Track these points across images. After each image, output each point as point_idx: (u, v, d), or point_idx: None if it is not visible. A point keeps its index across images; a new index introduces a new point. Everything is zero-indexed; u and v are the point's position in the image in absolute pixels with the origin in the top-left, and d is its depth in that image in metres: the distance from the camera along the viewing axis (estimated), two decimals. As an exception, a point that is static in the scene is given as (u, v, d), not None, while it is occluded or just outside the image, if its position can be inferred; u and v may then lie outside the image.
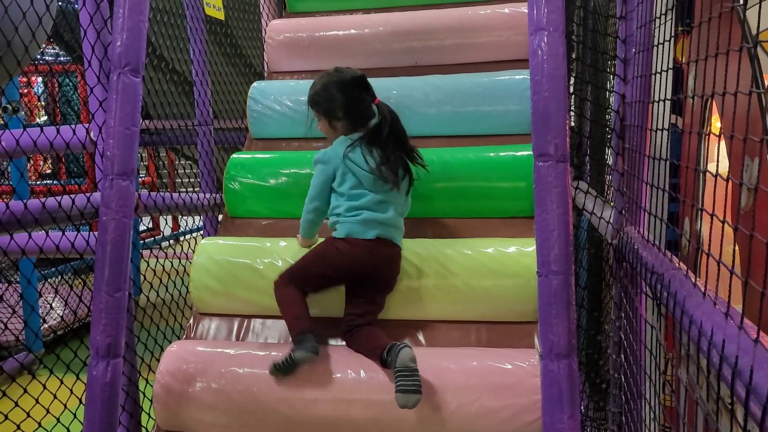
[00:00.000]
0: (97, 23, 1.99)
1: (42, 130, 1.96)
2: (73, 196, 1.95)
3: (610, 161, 2.70)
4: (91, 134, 2.10)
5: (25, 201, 1.76)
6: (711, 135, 2.11)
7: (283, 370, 1.98)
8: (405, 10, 3.26)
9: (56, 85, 6.63)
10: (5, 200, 6.23)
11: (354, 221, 2.17)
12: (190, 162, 7.02)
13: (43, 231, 1.99)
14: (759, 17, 1.04)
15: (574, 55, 3.36)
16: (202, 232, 4.72)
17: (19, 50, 2.01)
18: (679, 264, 1.47)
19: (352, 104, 2.24)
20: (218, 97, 3.70)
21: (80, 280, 2.52)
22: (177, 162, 8.35)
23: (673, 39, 1.80)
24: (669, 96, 1.56)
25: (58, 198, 1.90)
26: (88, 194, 2.03)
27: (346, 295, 2.21)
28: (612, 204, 2.24)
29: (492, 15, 3.08)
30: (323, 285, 2.22)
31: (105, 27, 2.01)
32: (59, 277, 5.13)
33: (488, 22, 3.07)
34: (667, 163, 1.63)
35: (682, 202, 2.16)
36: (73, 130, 2.02)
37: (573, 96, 3.33)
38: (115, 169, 1.94)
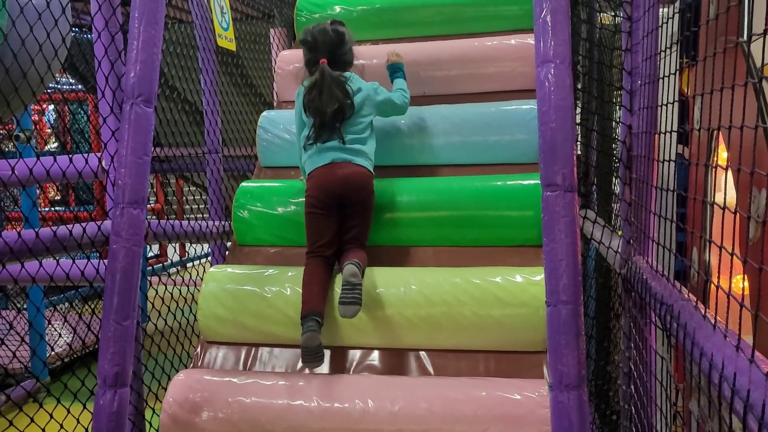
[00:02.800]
0: (111, 55, 2.03)
1: (55, 159, 1.99)
2: (84, 224, 1.96)
3: (617, 190, 2.71)
4: (103, 163, 2.13)
5: (36, 230, 1.77)
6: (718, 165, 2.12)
7: (307, 358, 2.14)
8: (412, 41, 3.31)
9: (67, 113, 6.72)
10: (15, 227, 6.28)
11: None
12: (198, 188, 7.07)
13: (53, 259, 2.00)
14: (764, 52, 1.05)
15: (579, 86, 3.39)
16: (209, 258, 4.73)
17: (35, 81, 2.05)
18: (688, 295, 1.47)
19: None
20: (228, 126, 3.73)
21: (88, 307, 2.52)
22: (186, 188, 8.40)
23: (678, 71, 1.82)
24: (675, 127, 1.57)
25: (70, 226, 1.91)
26: (98, 222, 2.05)
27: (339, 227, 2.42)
28: (620, 233, 2.25)
29: (498, 46, 3.11)
30: (325, 230, 2.38)
31: (119, 58, 2.05)
32: (67, 304, 5.14)
33: (495, 53, 3.10)
34: (675, 193, 1.64)
35: (690, 232, 2.16)
36: (86, 159, 2.05)
37: (579, 125, 3.35)
38: (126, 198, 1.96)
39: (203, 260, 7.22)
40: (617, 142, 2.60)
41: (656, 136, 1.86)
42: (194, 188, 7.40)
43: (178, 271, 7.98)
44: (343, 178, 2.40)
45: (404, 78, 2.81)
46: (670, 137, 1.54)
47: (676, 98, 1.55)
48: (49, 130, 7.83)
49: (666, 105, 1.59)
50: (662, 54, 1.72)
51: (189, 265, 8.22)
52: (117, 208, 1.96)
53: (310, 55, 2.54)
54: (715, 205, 1.77)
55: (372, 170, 2.52)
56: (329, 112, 2.41)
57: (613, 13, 3.12)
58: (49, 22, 1.89)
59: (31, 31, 1.81)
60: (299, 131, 2.59)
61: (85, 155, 2.09)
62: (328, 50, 2.50)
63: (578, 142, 3.41)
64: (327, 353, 2.31)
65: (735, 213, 1.02)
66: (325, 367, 2.30)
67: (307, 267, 2.34)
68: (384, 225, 2.64)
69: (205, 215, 3.49)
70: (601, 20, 3.37)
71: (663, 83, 1.65)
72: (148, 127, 1.98)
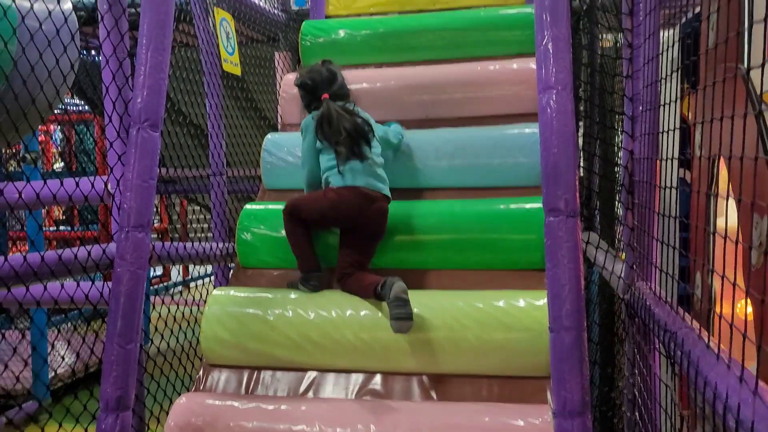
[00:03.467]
0: (119, 81, 2.06)
1: (62, 183, 2.01)
2: (89, 247, 1.97)
3: (620, 213, 2.72)
4: (109, 186, 2.15)
5: (42, 253, 1.78)
6: (719, 189, 2.12)
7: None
8: (416, 64, 3.35)
9: (73, 134, 6.77)
10: (20, 248, 6.28)
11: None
12: (202, 208, 7.10)
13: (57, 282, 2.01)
14: (762, 78, 1.06)
15: (582, 108, 3.41)
16: (212, 278, 4.73)
17: (43, 106, 2.07)
18: (691, 322, 1.47)
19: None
20: (232, 149, 3.75)
21: (90, 328, 2.53)
22: (190, 208, 8.43)
23: (679, 98, 1.84)
24: (677, 154, 1.58)
25: (74, 249, 1.93)
26: (103, 245, 2.06)
27: (340, 244, 2.52)
28: (623, 257, 2.25)
29: (501, 70, 3.14)
30: (319, 223, 2.53)
31: (126, 84, 2.08)
32: (69, 325, 5.13)
33: (497, 76, 3.13)
34: (677, 218, 1.64)
35: (693, 257, 2.16)
36: (92, 183, 2.07)
37: (582, 150, 3.37)
38: (131, 221, 1.97)
39: (206, 280, 7.22)
40: (619, 165, 2.61)
41: (658, 161, 1.87)
42: (198, 208, 7.44)
43: (180, 292, 7.98)
44: (368, 211, 2.47)
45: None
46: (672, 164, 1.55)
47: (678, 125, 1.57)
48: (56, 150, 7.88)
49: (667, 132, 1.60)
50: (663, 81, 1.74)
51: (192, 285, 8.22)
52: (122, 232, 1.97)
53: (310, 97, 2.66)
54: (718, 230, 1.77)
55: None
56: (344, 137, 2.48)
57: (614, 39, 3.15)
58: (59, 49, 1.92)
59: (40, 57, 1.83)
60: (309, 162, 2.64)
61: (91, 179, 2.10)
62: (327, 87, 2.62)
63: (581, 166, 3.43)
64: (329, 377, 2.31)
65: (736, 243, 1.02)
66: (327, 392, 2.29)
67: (289, 226, 2.50)
68: (387, 248, 2.64)
69: (208, 235, 3.50)
70: (602, 45, 3.41)
71: (664, 110, 1.67)
72: (154, 151, 2.00)
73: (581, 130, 3.56)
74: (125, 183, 1.98)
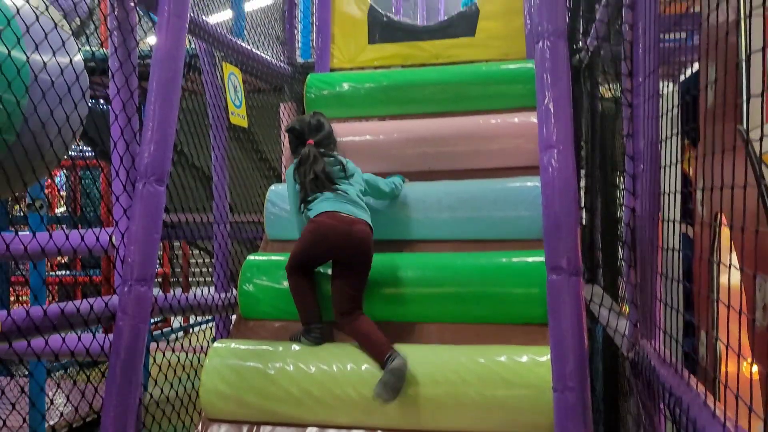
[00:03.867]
0: (127, 136, 2.09)
1: (67, 237, 2.03)
2: (91, 300, 1.98)
3: (623, 263, 2.72)
4: (113, 239, 2.16)
5: (44, 307, 1.79)
6: (723, 242, 2.13)
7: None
8: (419, 117, 3.40)
9: (78, 179, 6.83)
10: (20, 292, 6.24)
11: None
12: (203, 252, 7.09)
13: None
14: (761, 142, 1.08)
15: (583, 153, 3.43)
16: (212, 324, 4.71)
17: (51, 158, 2.10)
18: (697, 385, 1.46)
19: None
20: (237, 195, 3.78)
21: (85, 375, 2.50)
22: (192, 250, 8.43)
23: (679, 161, 1.86)
24: (678, 214, 1.60)
25: (77, 303, 1.93)
26: (105, 298, 2.06)
27: (331, 278, 2.51)
28: (626, 309, 2.24)
29: (502, 124, 3.19)
30: (311, 258, 2.53)
31: (134, 139, 2.11)
32: (64, 372, 5.08)
33: (499, 130, 3.18)
34: (681, 273, 1.64)
35: (697, 313, 2.15)
36: (97, 237, 2.08)
37: (583, 198, 3.39)
38: (134, 275, 1.98)
39: (206, 326, 7.17)
40: (621, 219, 2.62)
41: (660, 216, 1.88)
42: (199, 251, 7.43)
43: (178, 338, 7.91)
44: (356, 238, 2.46)
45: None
46: (674, 226, 1.56)
47: (679, 188, 1.58)
48: (61, 192, 7.93)
49: (669, 193, 1.62)
50: (664, 142, 1.77)
51: (192, 330, 8.15)
52: (125, 285, 1.98)
53: (297, 142, 2.79)
54: (721, 287, 1.77)
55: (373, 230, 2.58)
56: (318, 171, 2.57)
57: (613, 95, 3.20)
58: (70, 105, 1.96)
59: (51, 116, 1.87)
60: (294, 205, 2.70)
61: (96, 231, 2.12)
62: (313, 134, 2.75)
63: (582, 216, 3.44)
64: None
65: (740, 313, 1.02)
66: (327, 448, 2.26)
67: (291, 281, 2.53)
68: (388, 300, 2.64)
69: (210, 278, 3.49)
70: (602, 95, 3.45)
71: (665, 172, 1.69)
72: (159, 205, 2.02)
73: (583, 180, 3.59)
74: (130, 236, 1.99)
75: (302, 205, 2.59)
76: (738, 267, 2.00)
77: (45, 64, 1.89)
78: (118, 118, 2.07)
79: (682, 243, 1.95)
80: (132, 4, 2.22)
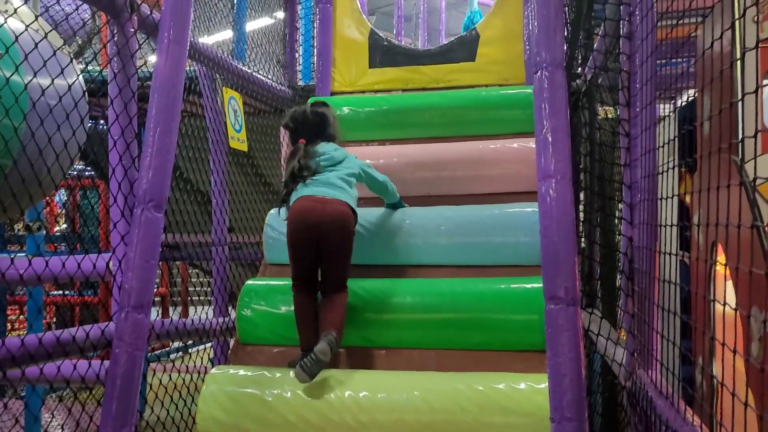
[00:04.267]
0: (125, 162, 2.10)
1: (64, 265, 2.02)
2: (87, 327, 1.97)
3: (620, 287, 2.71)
4: (110, 265, 2.16)
5: (40, 336, 1.78)
6: (719, 272, 2.12)
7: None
8: (418, 142, 3.41)
9: (78, 196, 6.84)
10: (15, 311, 6.20)
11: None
12: (202, 272, 7.06)
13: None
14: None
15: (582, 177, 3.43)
16: (211, 344, 4.68)
17: (47, 183, 2.11)
18: (693, 418, 1.45)
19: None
20: (236, 215, 3.78)
21: (77, 400, 2.48)
22: (190, 270, 8.40)
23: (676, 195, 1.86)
24: (675, 247, 1.59)
25: (72, 330, 1.92)
26: (101, 325, 2.05)
27: (319, 269, 2.53)
28: (623, 335, 2.23)
29: (501, 149, 3.20)
30: (305, 263, 2.51)
31: (133, 165, 2.12)
32: (59, 401, 5.03)
33: (498, 155, 3.19)
34: (678, 303, 1.64)
35: (695, 343, 2.15)
36: (94, 264, 2.08)
37: (582, 222, 3.38)
38: (131, 302, 1.97)
39: (205, 347, 7.12)
40: (619, 247, 2.62)
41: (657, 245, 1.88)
42: (198, 271, 7.41)
43: (177, 359, 7.85)
44: (324, 215, 2.45)
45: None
46: (672, 259, 1.56)
47: (676, 221, 1.58)
48: (60, 210, 7.92)
49: (666, 226, 1.62)
50: (661, 173, 1.77)
51: (191, 350, 8.09)
52: (122, 312, 1.97)
53: (292, 137, 2.78)
54: (718, 317, 1.76)
55: (355, 207, 2.59)
56: (296, 167, 2.58)
57: (612, 117, 3.21)
58: (68, 131, 1.97)
59: (49, 142, 1.88)
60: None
61: (93, 258, 2.11)
62: (308, 132, 2.73)
63: (581, 241, 3.44)
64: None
65: (735, 349, 1.02)
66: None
67: (296, 300, 2.53)
68: (387, 326, 2.63)
69: (208, 298, 3.48)
70: (599, 125, 3.47)
71: (662, 204, 1.69)
72: (157, 231, 2.02)
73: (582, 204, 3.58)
74: (127, 263, 1.99)
75: (280, 201, 2.62)
76: (732, 300, 2.00)
77: (43, 91, 1.90)
78: (116, 145, 2.08)
79: (680, 271, 1.95)
80: (132, 30, 2.23)
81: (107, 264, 2.13)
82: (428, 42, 8.19)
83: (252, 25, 4.19)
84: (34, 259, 2.09)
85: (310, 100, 3.63)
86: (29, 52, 1.86)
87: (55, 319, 6.69)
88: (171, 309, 7.72)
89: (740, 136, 1.90)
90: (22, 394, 4.57)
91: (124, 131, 2.09)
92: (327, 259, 2.49)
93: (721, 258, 2.32)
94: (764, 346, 1.73)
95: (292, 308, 2.71)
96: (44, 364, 1.84)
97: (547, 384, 1.91)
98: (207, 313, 3.15)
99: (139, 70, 2.25)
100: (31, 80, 1.89)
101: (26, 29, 1.86)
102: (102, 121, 4.58)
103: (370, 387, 2.30)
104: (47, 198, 7.21)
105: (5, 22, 1.84)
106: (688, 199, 2.87)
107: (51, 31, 2.06)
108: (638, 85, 1.93)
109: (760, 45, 1.80)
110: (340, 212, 2.48)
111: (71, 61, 2.12)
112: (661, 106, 2.86)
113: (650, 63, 1.86)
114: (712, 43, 1.30)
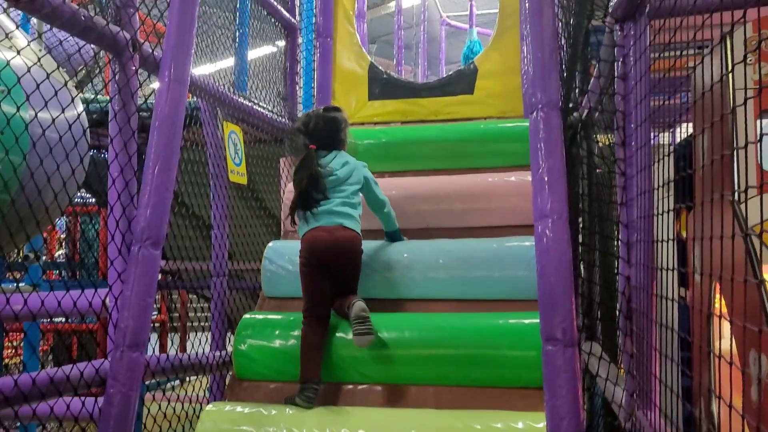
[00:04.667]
0: (124, 200, 2.11)
1: (59, 304, 2.02)
2: (81, 365, 1.96)
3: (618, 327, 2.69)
4: (107, 302, 2.15)
5: (33, 376, 1.77)
6: (718, 310, 2.11)
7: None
8: (416, 174, 3.42)
9: (78, 225, 6.85)
10: (11, 338, 6.15)
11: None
12: (201, 299, 7.05)
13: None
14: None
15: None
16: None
17: (44, 220, 2.11)
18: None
19: None
20: (236, 239, 3.79)
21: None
22: (188, 298, 8.39)
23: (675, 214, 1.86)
24: (674, 293, 1.59)
25: (67, 369, 1.91)
26: (96, 363, 2.04)
27: (331, 290, 2.68)
28: (622, 372, 2.21)
29: (499, 182, 3.21)
30: (319, 290, 2.64)
31: (131, 202, 2.12)
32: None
33: (496, 189, 3.20)
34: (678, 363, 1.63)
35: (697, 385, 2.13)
36: (90, 302, 2.08)
37: (580, 258, 3.37)
38: (127, 341, 1.97)
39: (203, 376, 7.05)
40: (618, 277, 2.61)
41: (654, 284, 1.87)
42: (197, 297, 7.39)
43: (174, 388, 7.79)
44: (332, 244, 2.65)
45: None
46: (671, 305, 1.56)
47: (675, 267, 1.58)
48: (61, 234, 7.92)
49: (664, 269, 1.61)
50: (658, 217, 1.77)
51: (188, 380, 8.02)
52: (117, 351, 1.96)
53: (303, 141, 2.86)
54: (718, 358, 1.75)
55: (360, 232, 2.76)
56: (304, 186, 2.70)
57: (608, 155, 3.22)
58: (67, 170, 1.98)
59: (48, 181, 1.89)
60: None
61: (89, 294, 2.11)
62: (319, 137, 2.82)
63: (581, 276, 3.43)
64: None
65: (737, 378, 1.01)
66: None
67: (305, 331, 2.59)
68: (384, 361, 2.61)
69: (207, 324, 3.46)
70: (599, 152, 3.48)
71: (660, 246, 1.69)
72: (154, 269, 2.02)
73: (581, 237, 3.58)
74: (123, 301, 1.98)
75: (289, 219, 2.80)
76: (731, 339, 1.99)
77: (44, 130, 1.92)
78: (115, 182, 2.09)
79: (679, 308, 1.94)
80: (134, 68, 2.26)
81: (103, 301, 2.13)
82: (428, 70, 8.28)
83: (254, 54, 4.24)
84: (30, 295, 2.09)
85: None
86: (31, 92, 1.87)
87: (51, 347, 6.64)
88: (169, 338, 7.68)
89: (736, 176, 1.91)
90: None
91: (123, 169, 2.11)
92: (340, 279, 2.68)
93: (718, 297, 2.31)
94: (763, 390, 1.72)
95: (290, 343, 2.71)
96: (38, 405, 1.83)
97: (545, 423, 1.90)
98: (206, 338, 3.13)
99: (140, 101, 2.27)
100: (32, 119, 1.91)
101: (29, 70, 1.88)
102: (104, 151, 4.61)
103: (367, 425, 2.29)
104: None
105: (8, 64, 1.86)
106: (684, 233, 2.87)
107: (54, 70, 2.08)
108: (633, 126, 1.94)
109: (751, 88, 1.82)
110: (348, 237, 2.68)
111: (73, 99, 2.14)
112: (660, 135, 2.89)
113: (645, 105, 1.88)
114: (703, 92, 1.32)
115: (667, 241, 1.61)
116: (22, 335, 5.78)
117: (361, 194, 2.86)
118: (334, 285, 2.68)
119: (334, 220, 2.68)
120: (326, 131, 2.84)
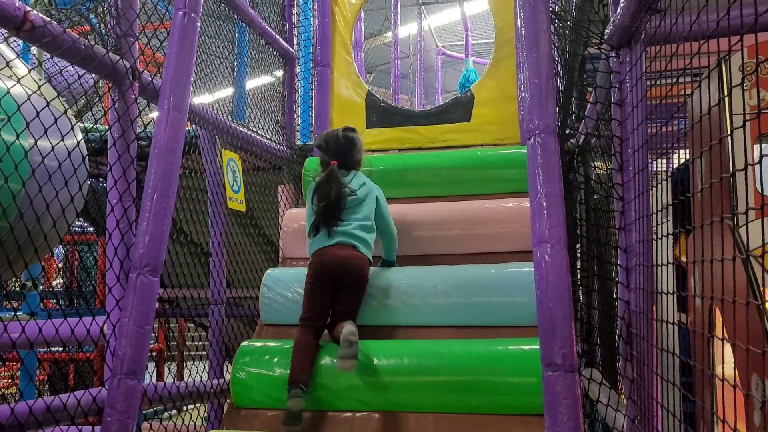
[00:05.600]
0: (122, 227, 2.11)
1: (57, 332, 2.01)
2: (79, 394, 1.94)
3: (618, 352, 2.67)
4: (105, 329, 2.14)
5: (30, 404, 1.75)
6: (717, 342, 2.11)
7: (288, 421, 2.43)
8: (415, 201, 3.43)
9: (76, 253, 6.83)
10: (10, 367, 6.10)
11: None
12: (199, 327, 7.00)
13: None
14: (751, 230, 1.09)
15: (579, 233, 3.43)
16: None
17: (43, 248, 2.11)
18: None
19: None
20: (233, 269, 3.78)
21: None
22: (186, 326, 8.33)
23: (674, 238, 1.86)
24: (673, 316, 1.59)
25: (64, 397, 1.89)
26: (93, 391, 2.02)
27: (332, 305, 2.75)
28: (623, 397, 2.19)
29: (497, 208, 3.22)
30: (321, 303, 2.72)
31: (130, 230, 2.12)
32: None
33: (493, 215, 3.20)
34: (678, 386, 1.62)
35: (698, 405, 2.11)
36: (87, 330, 2.06)
37: (579, 283, 3.37)
38: (124, 368, 1.95)
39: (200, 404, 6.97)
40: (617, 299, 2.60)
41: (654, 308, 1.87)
42: (195, 326, 7.34)
43: (171, 417, 7.70)
44: (342, 259, 2.74)
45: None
46: (672, 328, 1.55)
47: (674, 290, 1.58)
48: (59, 263, 7.89)
49: (662, 293, 1.61)
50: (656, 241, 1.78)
51: (185, 408, 7.93)
52: (114, 379, 1.94)
53: (324, 158, 2.97)
54: (719, 379, 1.74)
55: (371, 257, 2.85)
56: (332, 199, 2.79)
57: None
58: (66, 197, 1.98)
59: (47, 208, 1.89)
60: (309, 221, 2.90)
61: (87, 322, 2.10)
62: (338, 153, 2.92)
63: (579, 301, 3.42)
64: None
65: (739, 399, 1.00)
66: None
67: (300, 336, 2.65)
68: (383, 389, 2.59)
69: (205, 352, 3.44)
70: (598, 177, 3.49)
71: (659, 271, 1.69)
72: (152, 297, 2.02)
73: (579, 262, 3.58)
74: (121, 329, 1.97)
75: (311, 232, 2.85)
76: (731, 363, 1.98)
77: (44, 158, 1.93)
78: (114, 209, 2.09)
79: (680, 331, 1.94)
80: (133, 96, 2.28)
81: (101, 329, 2.11)
82: (424, 98, 8.35)
83: (252, 83, 4.29)
84: (28, 323, 2.08)
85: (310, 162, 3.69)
86: (31, 120, 1.89)
87: (48, 375, 6.57)
88: (167, 366, 7.61)
89: (734, 201, 1.92)
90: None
91: (122, 196, 2.11)
92: (343, 298, 2.74)
93: (719, 319, 2.31)
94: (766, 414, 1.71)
95: (287, 370, 2.69)
96: (33, 434, 1.81)
97: (546, 450, 1.87)
98: (203, 366, 3.11)
99: (139, 129, 2.28)
100: (32, 147, 1.92)
101: (29, 98, 1.89)
102: (101, 179, 4.62)
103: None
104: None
105: (8, 92, 1.87)
106: (683, 258, 2.87)
107: (54, 99, 2.10)
108: (630, 151, 1.96)
109: (748, 113, 1.84)
110: (359, 260, 2.77)
111: (72, 127, 2.16)
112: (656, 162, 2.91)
113: (642, 129, 1.89)
114: (701, 116, 1.33)
115: (667, 266, 1.61)
116: (19, 365, 5.73)
117: (372, 222, 2.91)
118: (336, 303, 2.73)
119: (349, 241, 2.78)
120: (345, 149, 2.94)
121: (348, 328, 2.52)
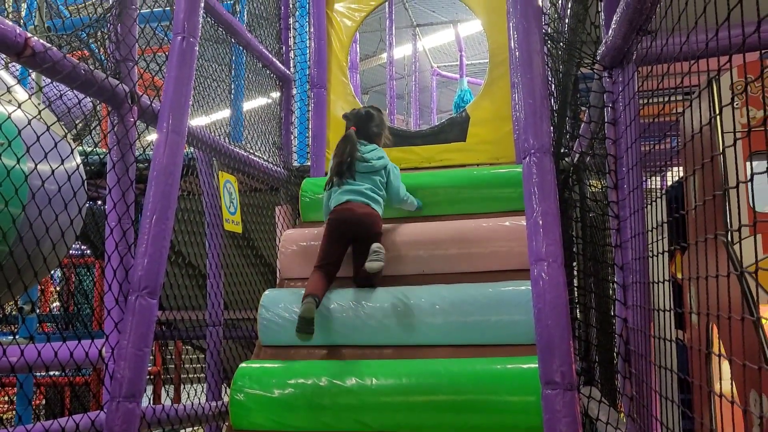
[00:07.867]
0: (121, 249, 2.11)
1: (56, 355, 2.01)
2: (77, 417, 1.93)
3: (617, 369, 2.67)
4: (103, 352, 2.14)
5: (28, 429, 1.74)
6: (714, 358, 2.11)
7: (300, 327, 2.74)
8: (412, 221, 3.44)
9: (74, 276, 6.81)
10: (8, 392, 6.04)
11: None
12: (196, 349, 6.96)
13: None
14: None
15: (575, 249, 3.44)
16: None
17: (42, 271, 2.11)
18: None
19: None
20: (231, 287, 3.77)
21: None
22: (184, 347, 8.29)
23: (669, 255, 1.88)
24: (671, 333, 1.60)
25: (62, 421, 1.88)
26: (92, 414, 2.02)
27: (353, 255, 3.11)
28: (622, 415, 2.19)
29: (494, 227, 3.23)
30: (336, 251, 3.05)
31: (128, 252, 2.13)
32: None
33: (490, 234, 3.21)
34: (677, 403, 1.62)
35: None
36: (86, 353, 2.06)
37: (577, 301, 3.38)
38: (123, 391, 1.95)
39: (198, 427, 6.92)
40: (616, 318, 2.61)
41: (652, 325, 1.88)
42: (193, 348, 7.30)
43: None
44: (360, 216, 3.07)
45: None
46: (670, 345, 1.56)
47: (671, 307, 1.59)
48: (56, 287, 7.86)
49: (660, 310, 1.62)
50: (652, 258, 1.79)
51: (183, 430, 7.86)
52: (113, 402, 1.94)
53: (347, 124, 3.40)
54: (717, 396, 1.74)
55: (382, 214, 3.19)
56: (345, 158, 3.15)
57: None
58: (66, 221, 1.99)
59: (47, 231, 1.90)
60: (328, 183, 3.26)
61: (86, 345, 2.10)
62: (357, 122, 3.35)
63: (577, 318, 3.43)
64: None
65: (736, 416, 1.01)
66: None
67: (313, 274, 2.96)
68: (382, 409, 2.58)
69: (203, 374, 3.43)
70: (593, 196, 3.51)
71: (655, 288, 1.70)
72: (150, 319, 2.02)
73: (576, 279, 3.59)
74: (120, 351, 1.97)
75: (327, 185, 3.23)
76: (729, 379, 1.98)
77: (43, 182, 1.94)
78: (113, 232, 2.10)
79: (677, 347, 1.94)
80: (132, 120, 2.30)
81: (99, 352, 2.11)
82: (420, 118, 8.40)
83: (249, 105, 4.32)
84: (27, 346, 2.08)
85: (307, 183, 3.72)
86: (31, 145, 1.90)
87: (45, 398, 6.50)
88: (164, 389, 7.55)
89: (728, 219, 1.94)
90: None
91: (121, 218, 2.12)
92: (360, 241, 3.04)
93: (716, 335, 2.31)
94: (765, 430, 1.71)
95: (287, 392, 2.68)
96: (31, 458, 1.80)
97: (546, 469, 1.87)
98: (201, 389, 3.09)
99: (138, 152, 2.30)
100: (32, 171, 1.93)
101: (29, 123, 1.91)
102: (99, 202, 4.63)
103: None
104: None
105: (9, 117, 1.89)
106: (679, 275, 2.89)
107: (54, 123, 2.12)
108: (624, 169, 1.98)
109: (739, 131, 1.87)
110: (371, 214, 3.10)
111: (72, 151, 2.17)
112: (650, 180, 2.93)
113: (636, 147, 1.92)
114: (693, 134, 1.35)
115: (663, 282, 1.62)
116: (15, 389, 5.69)
117: (384, 191, 3.24)
118: (356, 256, 3.07)
119: (362, 199, 3.11)
120: (364, 120, 3.35)
121: (375, 244, 2.91)
